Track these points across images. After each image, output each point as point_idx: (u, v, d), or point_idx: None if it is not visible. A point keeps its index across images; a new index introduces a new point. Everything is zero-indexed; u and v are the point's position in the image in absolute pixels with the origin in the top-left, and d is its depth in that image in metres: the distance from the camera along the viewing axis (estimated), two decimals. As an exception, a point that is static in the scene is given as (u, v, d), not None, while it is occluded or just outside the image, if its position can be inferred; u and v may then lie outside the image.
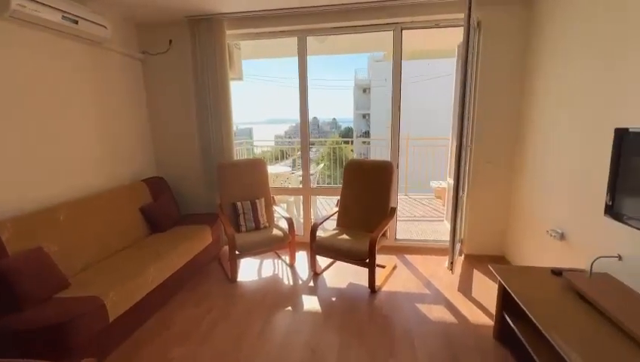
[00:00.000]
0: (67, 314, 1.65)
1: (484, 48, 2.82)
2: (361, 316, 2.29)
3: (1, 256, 1.81)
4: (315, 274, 2.88)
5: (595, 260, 1.70)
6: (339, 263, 3.00)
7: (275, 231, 2.99)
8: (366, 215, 2.94)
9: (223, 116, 3.20)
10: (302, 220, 3.70)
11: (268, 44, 3.91)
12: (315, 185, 5.32)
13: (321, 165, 5.64)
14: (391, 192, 2.91)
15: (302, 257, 3.25)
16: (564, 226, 2.21)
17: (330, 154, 6.59)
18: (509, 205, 3.02)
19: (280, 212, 3.23)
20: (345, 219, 3.06)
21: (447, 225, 3.97)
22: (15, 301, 1.69)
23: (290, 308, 2.41)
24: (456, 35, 3.14)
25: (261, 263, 3.16)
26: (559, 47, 2.33)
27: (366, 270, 2.55)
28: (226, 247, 3.21)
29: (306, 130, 3.41)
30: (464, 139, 2.58)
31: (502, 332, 1.99)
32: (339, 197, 3.16)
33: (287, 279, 2.86)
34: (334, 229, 3.01)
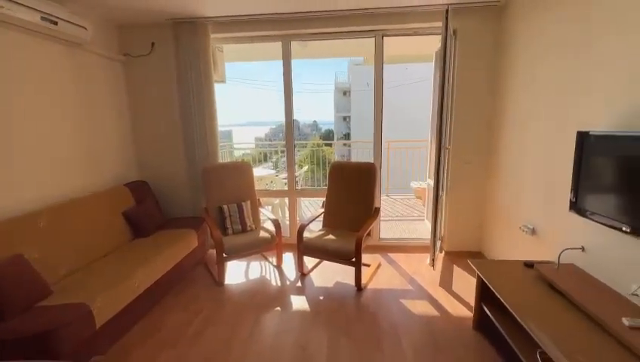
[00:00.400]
0: (53, 322, 1.62)
1: (460, 55, 2.98)
2: (349, 313, 2.36)
3: (-22, 264, 1.75)
4: (303, 274, 2.93)
5: (561, 252, 1.85)
6: (325, 263, 3.07)
7: (262, 233, 3.02)
8: (351, 215, 3.02)
9: (208, 119, 3.20)
10: (287, 222, 3.74)
11: (250, 48, 3.94)
12: (299, 188, 5.38)
13: (305, 168, 5.69)
14: (375, 193, 3.01)
15: (289, 258, 3.29)
16: (535, 222, 2.38)
17: (310, 157, 6.63)
18: (486, 203, 3.20)
19: (266, 214, 3.26)
20: (331, 220, 3.13)
21: (427, 224, 4.13)
22: (-4, 310, 1.63)
23: (279, 308, 2.45)
24: (432, 40, 3.30)
25: (248, 265, 3.17)
26: (527, 54, 2.51)
27: (352, 269, 2.63)
28: (212, 251, 3.20)
29: (291, 132, 3.46)
30: (443, 141, 2.73)
31: (480, 322, 2.12)
32: (324, 199, 3.23)
33: (274, 280, 2.89)
34: (320, 230, 3.07)
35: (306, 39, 3.29)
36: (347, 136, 20.38)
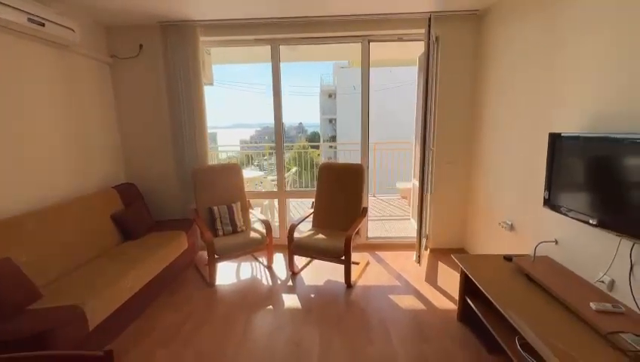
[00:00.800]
0: (45, 324, 1.62)
1: (442, 60, 3.12)
2: (340, 309, 2.44)
3: (-34, 268, 1.72)
4: (293, 273, 2.99)
5: (537, 246, 1.99)
6: (315, 262, 3.14)
7: (253, 234, 3.06)
8: (340, 215, 3.11)
9: (198, 122, 3.22)
10: (277, 223, 3.79)
11: (237, 50, 3.98)
12: (288, 189, 5.43)
13: (294, 170, 5.74)
14: (362, 193, 3.11)
15: (279, 258, 3.33)
16: (513, 218, 2.53)
17: (296, 159, 6.69)
18: (468, 202, 3.35)
19: (256, 215, 3.30)
20: (320, 220, 3.21)
21: (413, 223, 4.26)
22: (-14, 314, 1.62)
23: (271, 306, 2.49)
24: (415, 45, 3.44)
25: (239, 266, 3.20)
26: (504, 60, 2.67)
27: (342, 267, 2.71)
28: (202, 253, 3.22)
29: (281, 134, 3.52)
30: (427, 143, 2.85)
31: (464, 314, 2.23)
32: (313, 199, 3.30)
33: (265, 280, 2.93)
34: (310, 230, 3.14)
35: (295, 44, 3.36)
36: (333, 139, 20.52)
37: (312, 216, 3.26)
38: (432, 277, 2.88)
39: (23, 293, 1.82)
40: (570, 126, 1.90)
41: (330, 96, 21.72)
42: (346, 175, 3.17)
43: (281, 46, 3.34)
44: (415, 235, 3.10)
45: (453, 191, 3.35)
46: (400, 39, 3.25)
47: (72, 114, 2.77)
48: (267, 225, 3.07)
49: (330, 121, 21.87)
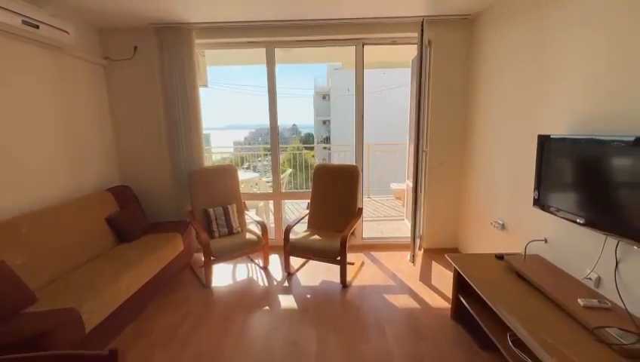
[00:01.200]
0: (41, 327, 1.61)
1: (435, 63, 3.18)
2: (336, 309, 2.46)
3: (-40, 272, 1.71)
4: (289, 274, 3.01)
5: (527, 244, 2.05)
6: (311, 263, 3.16)
7: (249, 236, 3.07)
8: (335, 216, 3.14)
9: (193, 124, 3.22)
10: (272, 224, 3.81)
11: (232, 52, 3.99)
12: (283, 191, 5.44)
13: (288, 171, 5.76)
14: (357, 194, 3.14)
15: (274, 259, 3.35)
16: (505, 218, 2.59)
17: (291, 160, 6.70)
18: (461, 202, 3.41)
19: (252, 216, 3.31)
20: (316, 221, 3.23)
21: (407, 224, 4.31)
22: (-19, 318, 1.61)
23: (267, 307, 2.51)
24: (408, 48, 3.49)
25: (234, 268, 3.21)
26: (495, 63, 2.74)
27: (337, 267, 2.74)
28: (198, 254, 3.22)
29: (276, 135, 3.54)
30: (421, 144, 2.90)
31: (458, 312, 2.28)
32: (309, 201, 3.33)
33: (261, 281, 2.95)
34: (306, 231, 3.16)
35: (290, 46, 3.39)
36: (327, 140, 20.57)
37: (307, 217, 3.28)
38: (426, 277, 2.92)
39: (17, 297, 1.81)
40: (559, 127, 1.96)
41: (324, 97, 21.79)
42: (341, 176, 3.21)
43: (275, 49, 3.37)
44: (409, 236, 3.14)
45: (446, 191, 3.41)
46: (394, 42, 3.30)
47: (66, 116, 2.76)
48: (263, 226, 3.08)
49: (324, 122, 21.93)
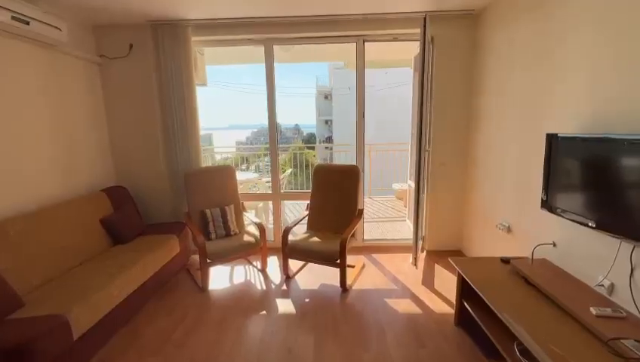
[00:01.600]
0: (27, 335, 1.55)
1: (438, 60, 3.09)
2: (335, 313, 2.38)
3: (-57, 276, 1.65)
4: (288, 277, 2.93)
5: (534, 248, 1.96)
6: (310, 265, 3.08)
7: (247, 237, 3.00)
8: (335, 217, 3.06)
9: (190, 123, 3.15)
10: (271, 225, 3.73)
11: (231, 50, 3.92)
12: (282, 191, 5.37)
13: (288, 171, 5.69)
14: (358, 195, 3.06)
15: (273, 262, 3.28)
16: (510, 220, 2.50)
17: (292, 160, 6.63)
18: (464, 203, 3.32)
19: (250, 218, 3.24)
20: (315, 222, 3.15)
21: (409, 225, 4.22)
22: (-36, 324, 1.54)
23: (264, 311, 2.44)
24: (411, 46, 3.41)
25: (232, 270, 3.14)
26: (500, 60, 2.65)
27: (337, 270, 2.66)
28: (195, 256, 3.15)
29: (275, 135, 3.46)
30: (423, 144, 2.82)
31: (462, 318, 2.19)
32: (309, 202, 3.25)
33: (259, 284, 2.87)
34: (305, 232, 3.09)
35: (288, 43, 3.31)
36: (329, 140, 20.48)
37: (306, 218, 3.20)
38: (428, 280, 2.84)
39: (2, 302, 1.75)
40: (567, 126, 1.87)
41: (326, 97, 21.69)
42: (341, 176, 3.12)
43: (274, 46, 3.30)
44: (411, 237, 3.06)
45: (449, 192, 3.32)
46: (395, 39, 3.21)
47: (59, 115, 2.70)
48: (261, 228, 3.01)
49: (327, 122, 21.84)
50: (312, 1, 2.65)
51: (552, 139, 1.84)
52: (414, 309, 2.42)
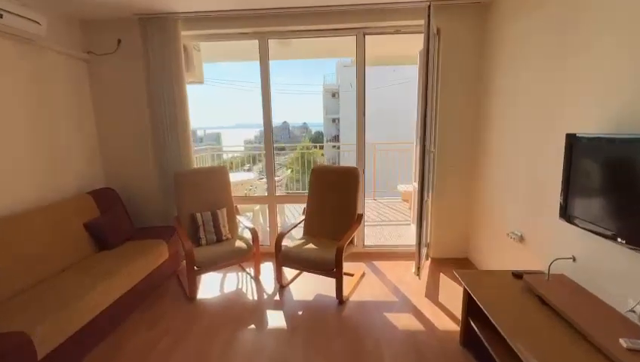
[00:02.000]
0: (-18, 356, 1.41)
1: (444, 54, 2.87)
2: (329, 329, 2.19)
3: None
4: (282, 286, 2.75)
5: (552, 263, 1.73)
6: (306, 274, 2.90)
7: (238, 243, 2.83)
8: (333, 222, 2.86)
9: (180, 121, 3.00)
10: (269, 229, 3.56)
11: (234, 47, 3.76)
12: (284, 192, 5.20)
13: (288, 171, 5.52)
14: (357, 199, 2.86)
15: (269, 268, 3.11)
16: (523, 228, 2.27)
17: (299, 159, 6.50)
18: (472, 208, 3.09)
19: (244, 222, 3.07)
20: (311, 227, 2.97)
21: (414, 228, 4.00)
22: None
23: (253, 325, 2.26)
24: (418, 41, 3.17)
25: (224, 277, 2.98)
26: (513, 55, 2.41)
27: (334, 280, 2.47)
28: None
29: (270, 136, 3.29)
30: (427, 144, 2.60)
31: (468, 337, 1.98)
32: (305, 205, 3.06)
33: (251, 293, 2.70)
34: (301, 238, 2.90)
35: (284, 37, 3.13)
36: (336, 138, 20.27)
37: (303, 223, 3.02)
38: (432, 292, 2.62)
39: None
40: (590, 126, 1.64)
41: (333, 95, 21.46)
42: (339, 179, 2.93)
43: (273, 41, 3.12)
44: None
45: (456, 195, 3.09)
46: (397, 31, 3.00)
47: (41, 114, 2.57)
48: (254, 233, 2.84)
49: (334, 120, 21.62)
50: (307, -10, 2.46)
51: (573, 141, 1.62)
52: (416, 325, 2.21)
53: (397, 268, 3.05)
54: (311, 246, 2.71)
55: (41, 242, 2.23)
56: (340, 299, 2.48)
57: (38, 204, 2.46)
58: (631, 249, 1.33)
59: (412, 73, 4.79)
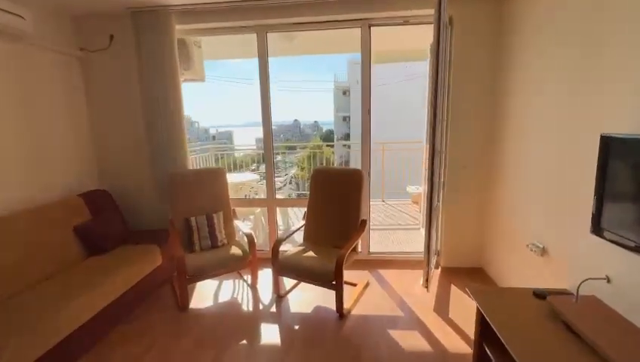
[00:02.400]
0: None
1: (457, 45, 2.63)
2: (327, 348, 2.01)
3: None
4: (279, 296, 2.58)
5: (581, 283, 1.49)
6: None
7: (234, 250, 2.67)
8: (334, 229, 2.67)
9: (175, 120, 2.86)
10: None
11: (240, 44, 3.61)
12: (292, 192, 5.03)
13: (292, 172, 5.35)
14: (361, 203, 2.65)
15: (266, 275, 2.93)
16: (546, 240, 2.02)
17: (310, 158, 6.34)
18: (488, 214, 2.84)
19: (240, 227, 2.91)
20: (312, 234, 2.78)
21: (424, 233, 3.76)
22: None
23: (245, 341, 2.10)
24: (430, 33, 2.93)
25: (220, 285, 2.82)
26: (534, 44, 2.15)
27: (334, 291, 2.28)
28: (180, 268, 2.86)
29: (270, 136, 3.11)
30: (437, 144, 2.37)
31: (481, 363, 1.76)
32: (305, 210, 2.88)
33: (246, 304, 2.54)
34: (300, 245, 2.72)
35: (285, 30, 2.94)
36: (347, 136, 20.02)
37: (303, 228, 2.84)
38: (442, 307, 2.40)
39: None
40: (626, 125, 1.39)
41: (344, 93, 21.18)
42: (341, 183, 2.72)
43: (277, 36, 2.94)
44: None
45: (470, 200, 2.85)
46: (406, 22, 2.77)
47: (29, 114, 2.47)
48: (250, 239, 2.67)
49: (345, 118, 21.35)
50: (306, -23, 2.27)
51: (608, 142, 1.38)
52: (423, 345, 2.00)
53: (404, 278, 2.84)
54: (310, 254, 2.53)
55: (25, 248, 2.12)
56: (341, 313, 2.29)
57: (25, 206, 2.36)
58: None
59: (424, 69, 4.55)
